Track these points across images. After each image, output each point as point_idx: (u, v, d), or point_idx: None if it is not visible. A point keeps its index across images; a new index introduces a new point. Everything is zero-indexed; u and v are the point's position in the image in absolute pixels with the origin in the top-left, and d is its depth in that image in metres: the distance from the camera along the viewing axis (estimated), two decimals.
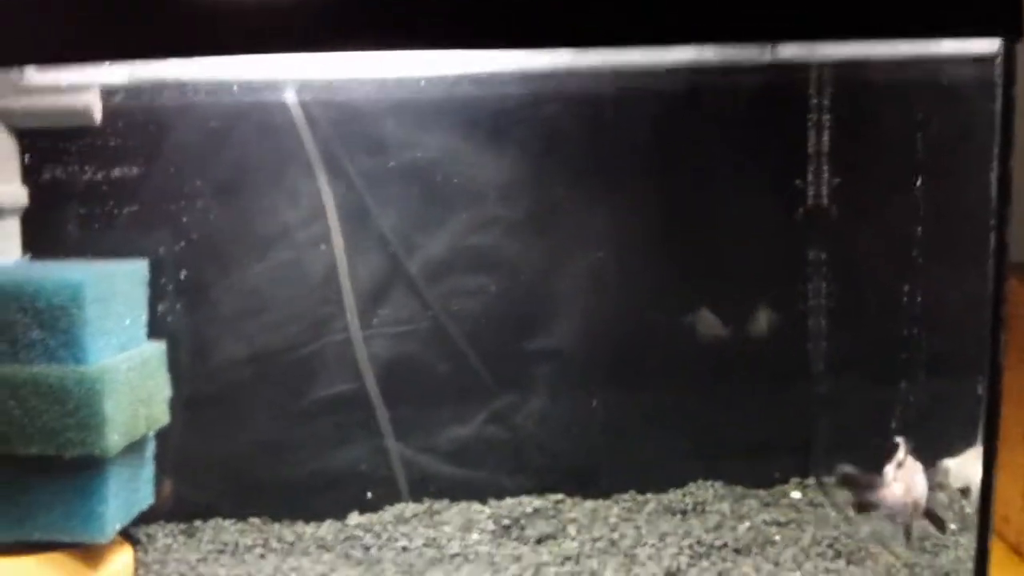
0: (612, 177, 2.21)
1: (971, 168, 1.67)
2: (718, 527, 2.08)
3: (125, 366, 1.84)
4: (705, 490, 2.26)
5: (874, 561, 1.92)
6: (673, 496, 2.24)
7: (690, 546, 1.98)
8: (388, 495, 2.21)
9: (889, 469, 1.87)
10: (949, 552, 1.93)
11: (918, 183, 2.04)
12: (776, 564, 1.92)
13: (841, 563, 1.92)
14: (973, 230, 1.64)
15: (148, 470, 1.99)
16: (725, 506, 2.18)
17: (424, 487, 2.23)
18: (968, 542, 1.75)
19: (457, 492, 2.23)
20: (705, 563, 1.93)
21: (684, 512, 2.17)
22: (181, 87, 1.99)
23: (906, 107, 2.07)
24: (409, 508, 2.19)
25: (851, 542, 1.99)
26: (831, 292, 2.24)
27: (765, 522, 2.10)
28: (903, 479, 1.80)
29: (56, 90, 1.87)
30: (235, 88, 2.02)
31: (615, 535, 2.05)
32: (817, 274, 2.24)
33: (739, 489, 2.27)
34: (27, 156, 1.96)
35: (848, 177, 2.20)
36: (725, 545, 1.99)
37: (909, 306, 2.13)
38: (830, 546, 1.98)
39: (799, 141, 2.20)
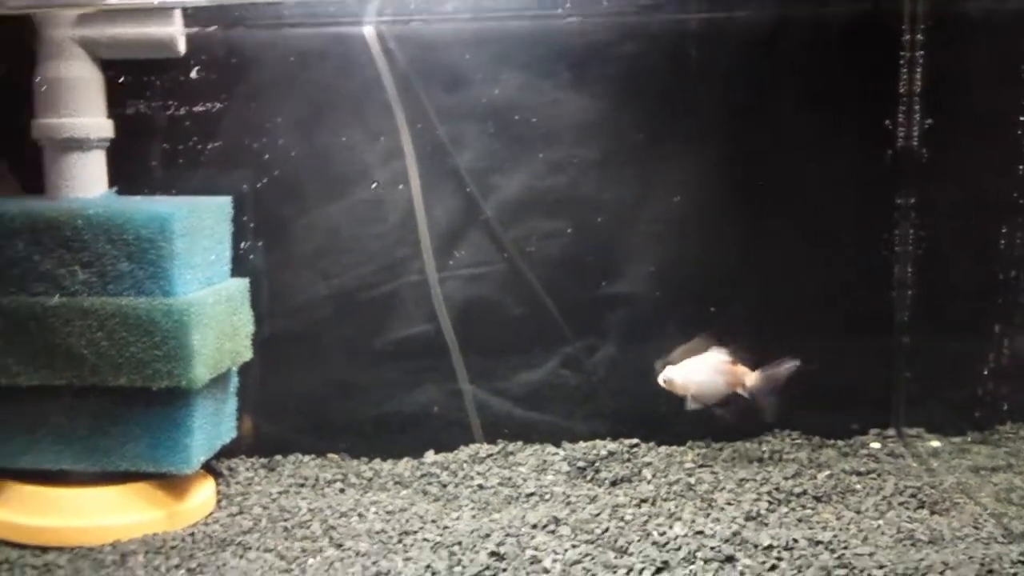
0: (693, 117, 2.15)
1: None
2: (796, 475, 2.05)
3: (211, 300, 1.85)
4: (781, 439, 2.24)
5: (959, 511, 1.88)
6: (749, 445, 2.21)
7: (769, 492, 1.96)
8: (462, 436, 2.21)
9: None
10: None
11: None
12: (858, 512, 1.89)
13: (924, 512, 1.88)
14: None
15: (231, 404, 2.02)
16: (803, 455, 2.15)
17: (498, 429, 2.23)
18: None
19: (531, 435, 2.22)
20: (785, 509, 1.90)
21: (761, 460, 2.14)
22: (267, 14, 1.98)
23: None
24: (483, 448, 2.20)
25: (935, 492, 1.95)
26: (918, 239, 2.18)
27: (844, 471, 2.06)
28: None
29: (140, 19, 1.85)
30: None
31: (692, 480, 2.03)
32: (904, 220, 2.18)
33: (816, 439, 2.24)
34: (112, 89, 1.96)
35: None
36: (805, 492, 1.96)
37: (1001, 254, 2.07)
38: (913, 496, 1.94)
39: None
